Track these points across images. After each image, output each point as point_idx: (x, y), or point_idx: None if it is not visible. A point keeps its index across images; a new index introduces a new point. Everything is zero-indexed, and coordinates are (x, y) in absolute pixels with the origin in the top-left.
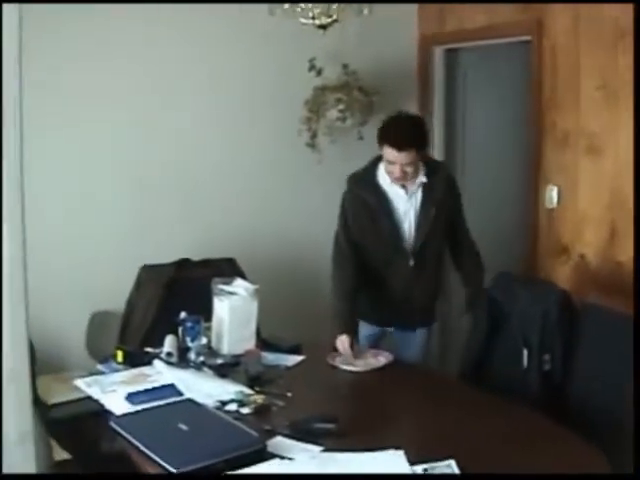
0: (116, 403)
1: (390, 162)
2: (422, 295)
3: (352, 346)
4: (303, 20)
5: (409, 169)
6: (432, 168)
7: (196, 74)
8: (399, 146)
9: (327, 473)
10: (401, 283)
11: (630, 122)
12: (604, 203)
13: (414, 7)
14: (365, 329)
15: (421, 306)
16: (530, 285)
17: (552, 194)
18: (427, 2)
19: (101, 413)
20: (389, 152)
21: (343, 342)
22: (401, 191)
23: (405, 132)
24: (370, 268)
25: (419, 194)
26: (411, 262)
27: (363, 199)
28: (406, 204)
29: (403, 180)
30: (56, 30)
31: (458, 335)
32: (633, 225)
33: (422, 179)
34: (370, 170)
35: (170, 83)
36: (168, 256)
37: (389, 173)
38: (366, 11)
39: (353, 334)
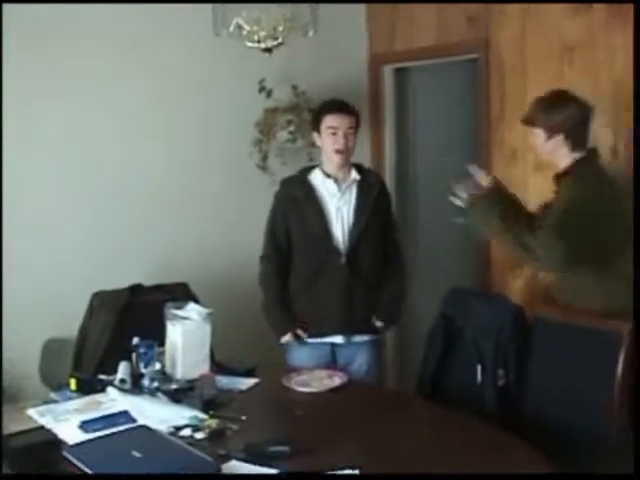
0: (69, 432)
1: (333, 131)
2: (359, 299)
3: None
4: (249, 44)
5: (351, 138)
6: (364, 171)
7: (144, 99)
8: (342, 108)
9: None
10: (336, 284)
11: None
12: None
13: (363, 26)
14: (307, 352)
15: (360, 312)
16: (484, 300)
17: None
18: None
19: (55, 442)
20: (332, 119)
21: (287, 340)
22: (333, 187)
23: (344, 101)
24: (304, 271)
25: (354, 192)
26: (342, 260)
27: (292, 195)
28: (339, 201)
29: (345, 152)
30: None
31: (416, 350)
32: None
33: (355, 176)
34: (303, 171)
35: (119, 111)
36: (121, 282)
37: (332, 145)
38: (311, 33)
39: (291, 327)
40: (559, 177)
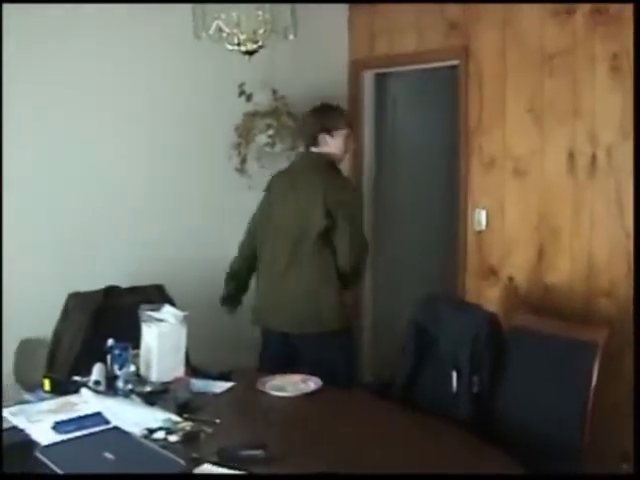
0: (42, 433)
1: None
2: None
3: None
4: (229, 46)
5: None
6: None
7: (125, 102)
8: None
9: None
10: None
11: (555, 143)
12: (531, 225)
13: (344, 31)
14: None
15: None
16: (458, 308)
17: (480, 217)
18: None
19: (27, 443)
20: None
21: None
22: None
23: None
24: None
25: None
26: None
27: None
28: None
29: None
30: None
31: (391, 355)
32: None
33: None
34: None
35: (98, 111)
36: (96, 283)
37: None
38: (291, 36)
39: None
40: None
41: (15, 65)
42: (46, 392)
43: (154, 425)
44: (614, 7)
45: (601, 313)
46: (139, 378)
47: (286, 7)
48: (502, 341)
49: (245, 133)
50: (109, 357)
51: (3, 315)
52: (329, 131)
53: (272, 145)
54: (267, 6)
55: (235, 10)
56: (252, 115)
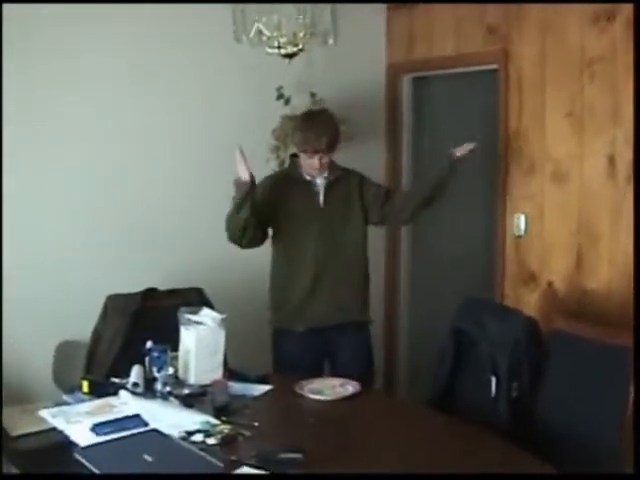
0: (81, 434)
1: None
2: None
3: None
4: (269, 50)
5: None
6: None
7: (164, 103)
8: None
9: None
10: None
11: (595, 149)
12: (571, 230)
13: (382, 35)
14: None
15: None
16: (498, 313)
17: (520, 222)
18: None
19: (66, 444)
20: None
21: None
22: None
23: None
24: None
25: None
26: None
27: None
28: None
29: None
30: None
31: (429, 361)
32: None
33: None
34: None
35: (138, 111)
36: (135, 285)
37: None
38: (331, 41)
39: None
40: None
41: (59, 80)
42: (84, 394)
43: (192, 428)
44: None
45: None
46: (177, 380)
47: (326, 11)
48: (542, 346)
49: (283, 136)
50: (147, 359)
51: (41, 317)
52: None
53: None
54: (308, 10)
55: (275, 13)
56: (290, 119)
